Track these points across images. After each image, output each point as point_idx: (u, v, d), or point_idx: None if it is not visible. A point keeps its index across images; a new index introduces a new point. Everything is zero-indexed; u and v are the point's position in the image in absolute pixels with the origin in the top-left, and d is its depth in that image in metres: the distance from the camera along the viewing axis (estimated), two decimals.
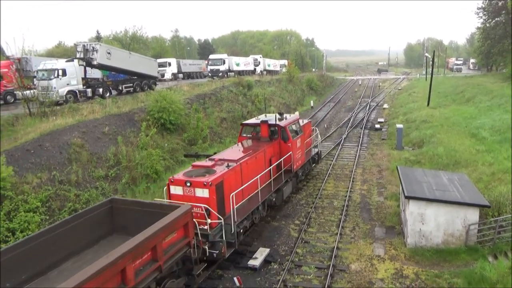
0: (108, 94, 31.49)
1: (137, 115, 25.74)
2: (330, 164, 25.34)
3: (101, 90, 30.88)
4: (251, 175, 14.84)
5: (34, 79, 29.12)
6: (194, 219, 11.40)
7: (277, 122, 18.30)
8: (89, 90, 29.73)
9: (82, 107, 25.47)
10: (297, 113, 21.95)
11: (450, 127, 29.83)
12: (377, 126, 37.27)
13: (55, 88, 26.46)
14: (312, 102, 55.63)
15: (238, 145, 17.68)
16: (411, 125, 33.66)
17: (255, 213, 15.17)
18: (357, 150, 28.92)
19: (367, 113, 45.47)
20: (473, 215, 13.59)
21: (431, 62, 50.91)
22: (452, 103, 43.72)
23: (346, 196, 19.72)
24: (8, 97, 28.39)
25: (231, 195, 12.87)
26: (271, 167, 16.47)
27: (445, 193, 14.38)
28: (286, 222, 17.23)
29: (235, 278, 12.70)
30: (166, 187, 13.25)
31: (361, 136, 33.55)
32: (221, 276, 13.15)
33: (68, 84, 27.98)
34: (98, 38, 76.93)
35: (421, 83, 68.73)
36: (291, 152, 18.01)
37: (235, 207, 12.90)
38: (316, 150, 23.27)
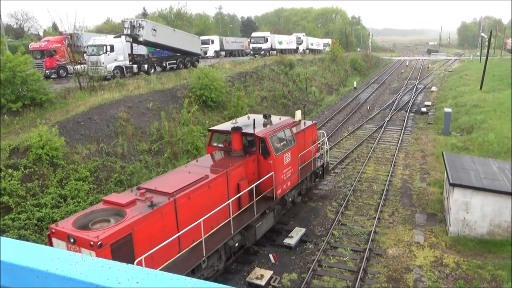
0: (152, 70, 32.28)
1: (180, 91, 26.26)
2: (371, 148, 24.74)
3: (146, 66, 31.68)
4: (199, 213, 10.23)
5: (85, 54, 30.37)
6: None
7: (255, 131, 13.27)
8: (135, 66, 30.59)
9: (128, 82, 26.35)
10: (299, 113, 17.24)
11: (504, 113, 28.02)
12: (424, 109, 35.73)
13: (103, 63, 27.46)
14: (355, 83, 54.10)
15: (197, 161, 12.86)
16: (460, 110, 31.97)
17: (200, 270, 10.41)
18: (400, 134, 27.99)
19: (413, 96, 43.63)
20: None
21: (487, 43, 47.62)
22: (507, 87, 40.85)
23: (386, 181, 19.26)
24: (61, 71, 29.89)
25: (137, 261, 8.29)
26: (232, 199, 11.43)
27: (494, 182, 13.67)
28: (323, 204, 17.17)
29: (270, 255, 12.95)
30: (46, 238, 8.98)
31: (406, 120, 32.35)
32: (257, 252, 13.43)
33: (115, 60, 28.93)
34: (144, 15, 78.50)
35: (475, 65, 64.68)
36: (272, 173, 12.99)
37: None
38: (323, 161, 17.93)
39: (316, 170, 17.39)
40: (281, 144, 13.91)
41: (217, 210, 10.66)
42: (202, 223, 9.95)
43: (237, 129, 13.12)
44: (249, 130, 13.36)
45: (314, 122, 17.92)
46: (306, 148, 16.37)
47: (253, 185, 12.43)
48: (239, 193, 11.97)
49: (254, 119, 14.26)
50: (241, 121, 14.81)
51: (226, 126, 14.32)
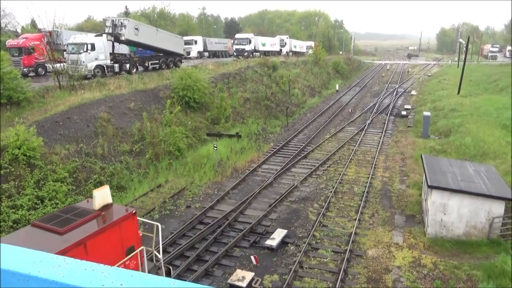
0: (134, 70, 31.87)
1: (162, 92, 26.03)
2: (353, 150, 25.07)
3: (128, 65, 31.26)
4: None
5: (64, 53, 29.74)
6: None
7: None
8: (116, 65, 30.15)
9: (109, 82, 25.94)
10: (102, 192, 8.85)
11: (480, 117, 28.87)
12: (404, 113, 36.44)
13: (84, 62, 26.96)
14: (337, 85, 54.74)
15: None
16: (439, 113, 32.75)
17: None
18: (381, 137, 28.45)
19: (394, 99, 44.43)
20: (498, 208, 13.27)
21: (464, 49, 48.96)
22: (484, 92, 42.15)
23: (367, 182, 19.54)
24: (40, 69, 29.18)
25: None
26: None
27: (470, 184, 14.05)
28: (305, 205, 17.29)
29: (252, 257, 12.95)
30: None
31: (386, 123, 32.91)
32: (239, 254, 13.39)
33: (96, 59, 28.44)
34: (127, 13, 77.44)
35: (453, 70, 66.36)
36: None
37: None
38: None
39: None
40: None
41: None
42: None
43: None
44: None
45: (132, 211, 9.18)
46: None
47: None
48: None
49: None
50: None
51: None
